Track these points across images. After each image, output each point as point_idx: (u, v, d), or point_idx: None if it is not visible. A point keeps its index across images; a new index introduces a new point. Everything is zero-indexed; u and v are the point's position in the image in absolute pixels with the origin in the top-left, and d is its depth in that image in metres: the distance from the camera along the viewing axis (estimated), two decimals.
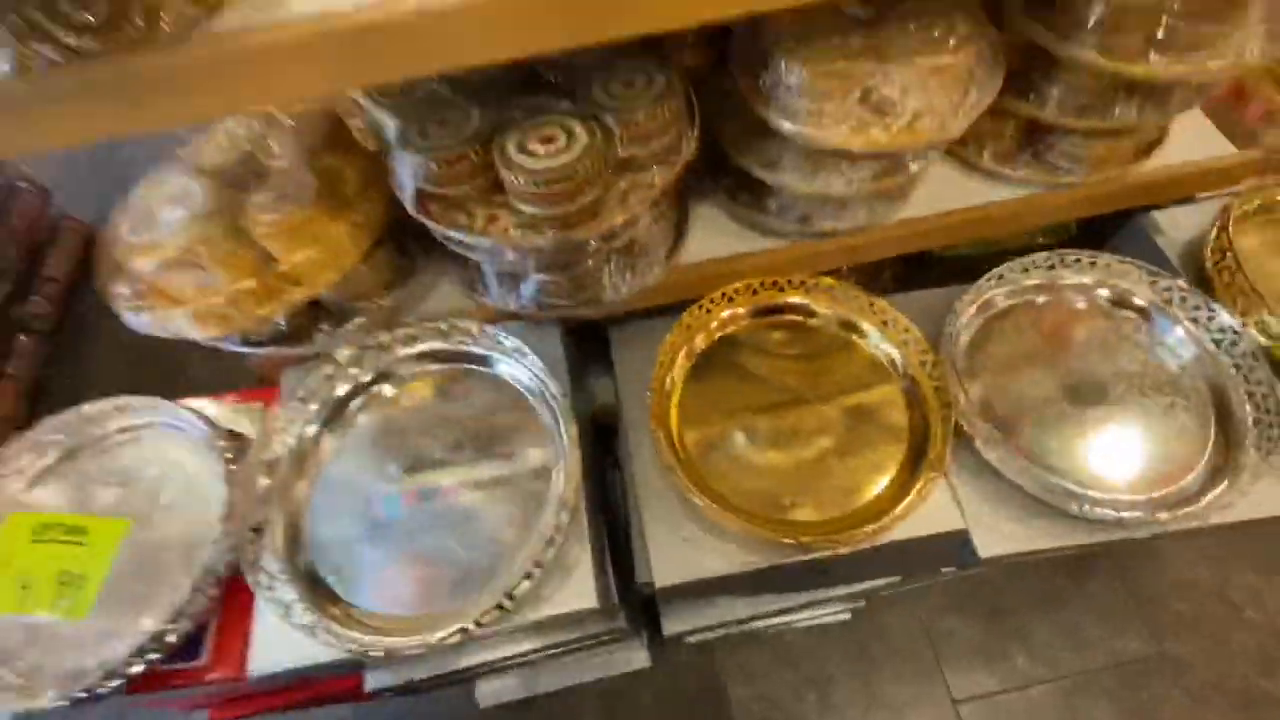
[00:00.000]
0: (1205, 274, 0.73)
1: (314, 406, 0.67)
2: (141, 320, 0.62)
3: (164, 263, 0.61)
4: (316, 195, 0.60)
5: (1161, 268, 0.73)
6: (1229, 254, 0.71)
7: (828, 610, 0.97)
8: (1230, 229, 0.72)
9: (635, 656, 0.91)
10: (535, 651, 0.65)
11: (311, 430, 0.67)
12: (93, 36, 0.33)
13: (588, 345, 0.79)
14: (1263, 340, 0.68)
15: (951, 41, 0.55)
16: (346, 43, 0.36)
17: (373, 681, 0.66)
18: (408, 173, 0.56)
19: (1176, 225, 0.80)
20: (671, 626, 0.71)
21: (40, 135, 0.37)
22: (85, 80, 0.35)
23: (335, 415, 0.68)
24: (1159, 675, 1.15)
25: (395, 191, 0.59)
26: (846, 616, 1.13)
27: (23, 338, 1.66)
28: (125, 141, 0.40)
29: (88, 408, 0.70)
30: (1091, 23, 0.58)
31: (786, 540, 0.59)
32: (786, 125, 0.56)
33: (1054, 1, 0.60)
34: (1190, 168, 0.74)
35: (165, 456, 0.69)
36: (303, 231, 0.60)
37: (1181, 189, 0.76)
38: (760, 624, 0.84)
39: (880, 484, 0.64)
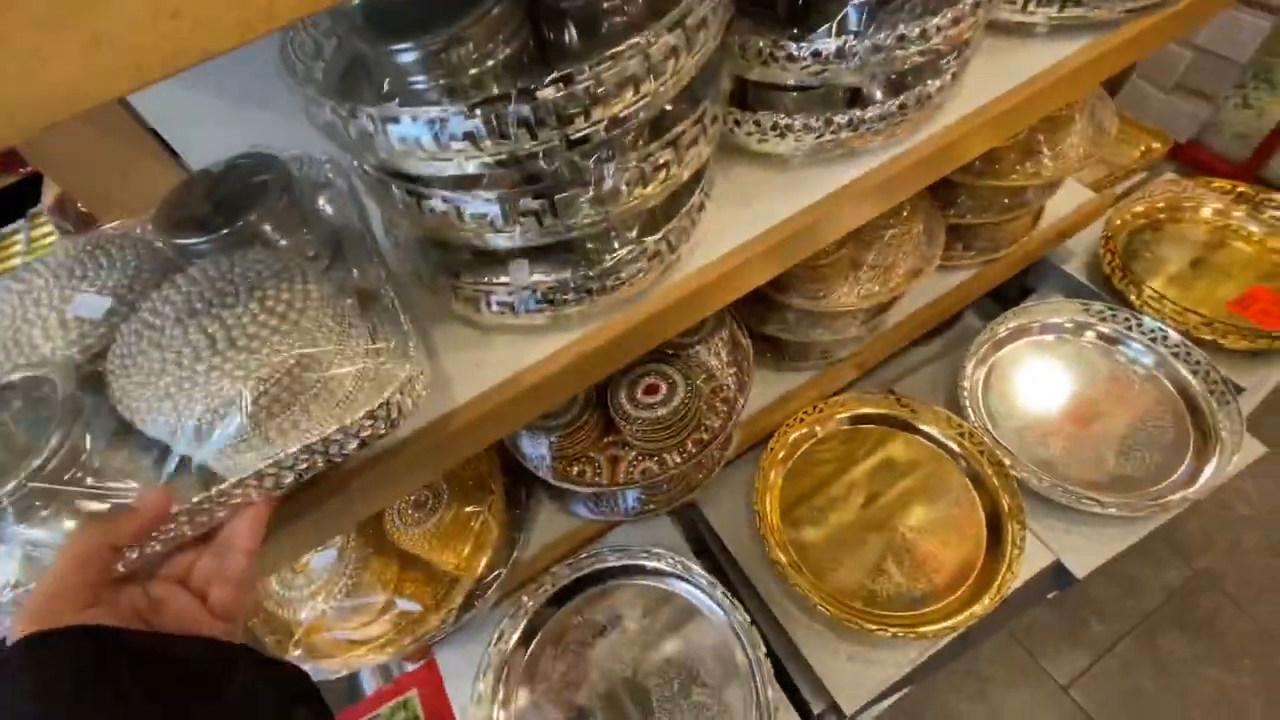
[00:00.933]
0: (1112, 284, 0.94)
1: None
2: (318, 669, 0.65)
3: (326, 610, 0.65)
4: (450, 490, 0.68)
5: (1076, 292, 0.93)
6: (1121, 266, 0.92)
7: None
8: (1114, 245, 0.94)
9: None
10: None
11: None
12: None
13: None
14: (1158, 318, 0.87)
15: (904, 213, 0.73)
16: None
17: None
18: (539, 450, 0.65)
19: (1073, 254, 1.01)
20: None
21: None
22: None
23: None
24: (1204, 590, 1.31)
25: (526, 465, 0.67)
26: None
27: None
28: None
29: None
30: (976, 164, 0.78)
31: (940, 626, 0.69)
32: (815, 304, 0.70)
33: None
34: (1071, 217, 0.96)
35: None
36: (449, 530, 0.67)
37: (1068, 233, 0.97)
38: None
39: (975, 546, 0.77)
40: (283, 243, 0.49)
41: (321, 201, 0.53)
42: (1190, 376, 0.84)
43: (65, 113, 0.24)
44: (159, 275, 0.46)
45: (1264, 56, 1.47)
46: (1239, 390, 0.86)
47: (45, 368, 0.41)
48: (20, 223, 2.34)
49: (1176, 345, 0.86)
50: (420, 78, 0.38)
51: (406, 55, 0.37)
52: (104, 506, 0.39)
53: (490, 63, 0.38)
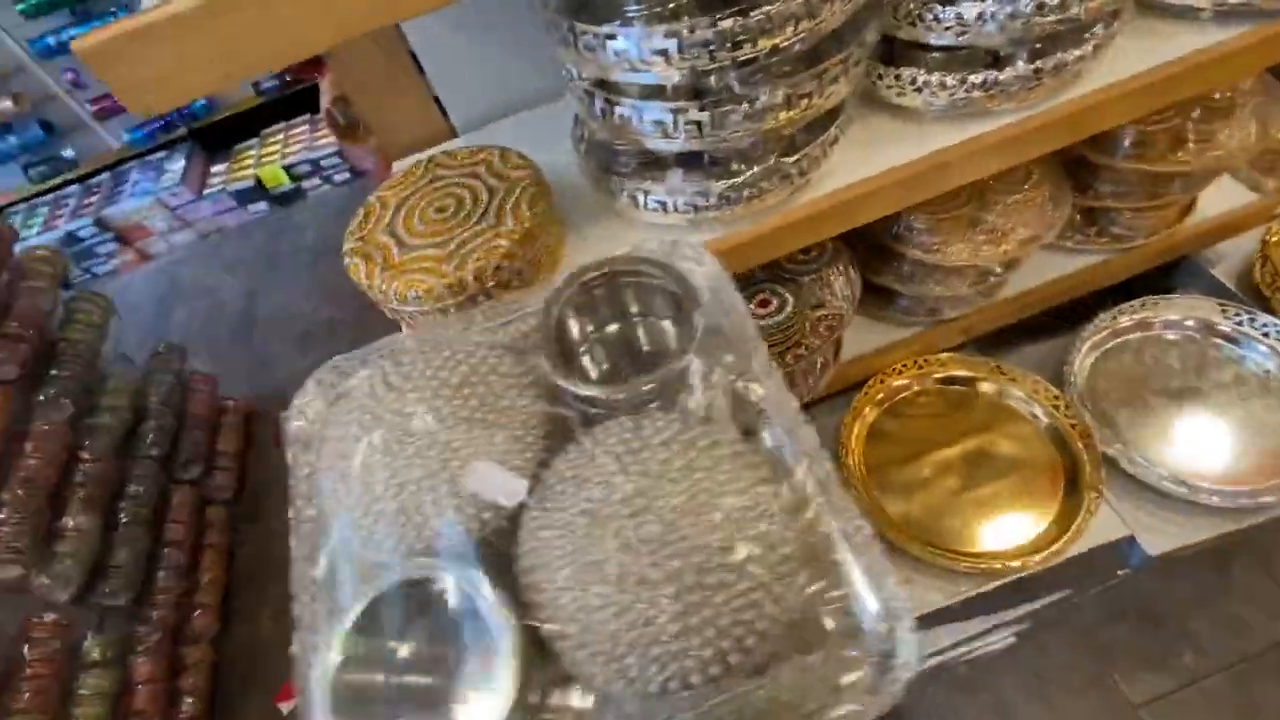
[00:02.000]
0: (1260, 293, 0.91)
1: None
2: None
3: None
4: None
5: (1224, 296, 0.91)
6: (1269, 260, 0.89)
7: (995, 638, 1.09)
8: (1270, 253, 0.90)
9: None
10: None
11: None
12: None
13: None
14: None
15: (1030, 180, 0.77)
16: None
17: None
18: None
19: (1225, 258, 0.98)
20: None
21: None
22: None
23: None
24: None
25: None
26: (1013, 640, 1.24)
27: (211, 510, 1.90)
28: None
29: None
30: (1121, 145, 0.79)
31: (998, 565, 0.75)
32: (930, 256, 0.77)
33: None
34: (1223, 217, 0.93)
35: None
36: None
37: (1221, 234, 0.95)
38: (933, 660, 0.97)
39: (1048, 513, 0.81)
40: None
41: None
42: None
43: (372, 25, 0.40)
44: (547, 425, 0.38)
45: None
46: None
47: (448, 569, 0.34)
48: (253, 141, 2.84)
49: None
50: (633, 6, 0.51)
51: None
52: None
53: None
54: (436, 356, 0.40)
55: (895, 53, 0.67)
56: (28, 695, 1.19)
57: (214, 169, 2.80)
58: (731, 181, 0.61)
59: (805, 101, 0.55)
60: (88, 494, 1.41)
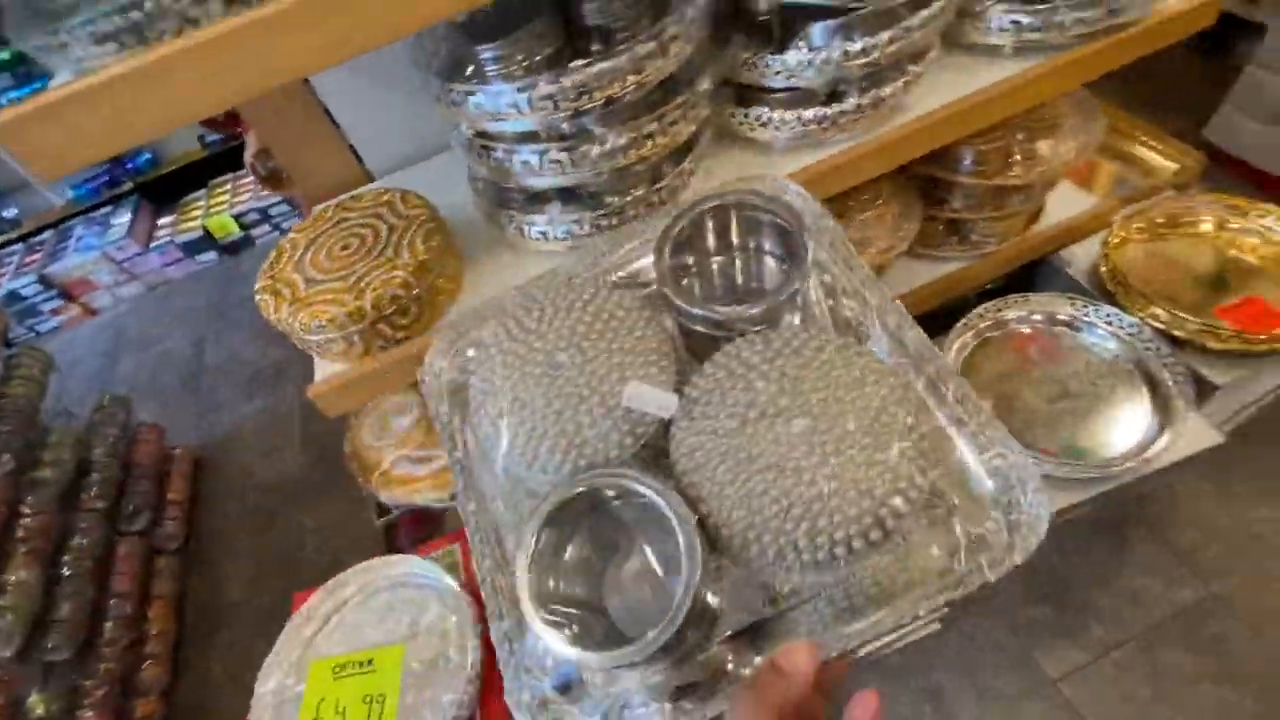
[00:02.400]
0: (1107, 289, 1.02)
1: None
2: (389, 496, 0.89)
3: (399, 457, 0.89)
4: None
5: (1076, 294, 1.02)
6: (1115, 271, 1.00)
7: (920, 624, 1.16)
8: (1110, 254, 1.02)
9: None
10: None
11: None
12: None
13: None
14: (1160, 326, 0.95)
15: (880, 199, 0.87)
16: None
17: None
18: None
19: (1077, 258, 1.10)
20: None
21: None
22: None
23: None
24: (1216, 614, 1.31)
25: None
26: (937, 627, 1.32)
27: (160, 560, 1.88)
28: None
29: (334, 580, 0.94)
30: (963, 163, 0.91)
31: None
32: None
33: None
34: (1070, 221, 1.05)
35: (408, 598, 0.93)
36: None
37: (1070, 236, 1.07)
38: (861, 651, 1.04)
39: None
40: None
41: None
42: (1148, 356, 0.93)
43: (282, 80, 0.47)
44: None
45: None
46: (1215, 388, 0.93)
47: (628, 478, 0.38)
48: (200, 192, 2.88)
49: (1134, 328, 0.94)
50: (491, 68, 0.60)
51: (485, 53, 0.59)
52: None
53: (537, 58, 0.59)
54: (563, 300, 0.45)
55: (746, 94, 0.77)
56: None
57: (161, 221, 2.83)
58: (602, 211, 0.70)
59: (650, 142, 0.63)
60: (30, 548, 1.41)
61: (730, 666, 0.37)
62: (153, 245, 2.73)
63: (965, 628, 1.38)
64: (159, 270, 2.78)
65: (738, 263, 0.53)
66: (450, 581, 0.85)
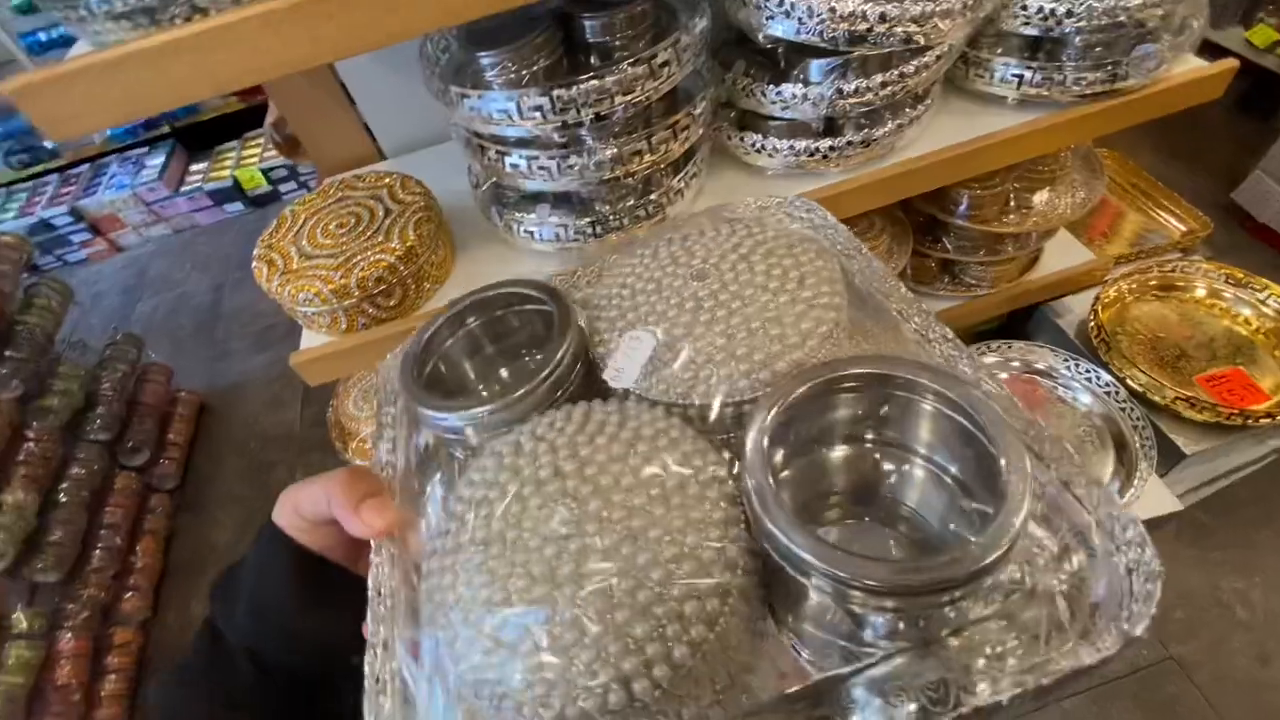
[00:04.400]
0: (1092, 344, 1.03)
1: None
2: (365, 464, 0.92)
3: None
4: None
5: (1063, 345, 1.02)
6: (1101, 329, 1.00)
7: None
8: (1100, 310, 1.03)
9: None
10: None
11: None
12: None
13: None
14: (1137, 388, 0.96)
15: (872, 230, 0.89)
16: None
17: None
18: None
19: (1070, 310, 1.10)
20: None
21: None
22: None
23: None
24: (1172, 676, 1.32)
25: None
26: None
27: (154, 497, 1.94)
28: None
29: None
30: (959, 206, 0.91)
31: None
32: None
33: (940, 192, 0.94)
34: (1066, 273, 1.05)
35: None
36: None
37: (1064, 287, 1.07)
38: None
39: None
40: None
41: None
42: (1120, 417, 0.93)
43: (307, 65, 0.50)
44: None
45: None
46: (1182, 456, 0.94)
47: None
48: (234, 143, 2.94)
49: (1110, 387, 0.95)
50: (492, 74, 0.62)
51: (483, 59, 0.61)
52: None
53: (534, 69, 0.61)
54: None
55: (746, 118, 0.79)
56: None
57: (194, 167, 2.89)
58: (590, 219, 0.72)
59: (638, 158, 0.65)
60: (29, 472, 1.47)
61: None
62: (183, 190, 2.80)
63: None
64: (186, 215, 2.84)
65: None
66: None
